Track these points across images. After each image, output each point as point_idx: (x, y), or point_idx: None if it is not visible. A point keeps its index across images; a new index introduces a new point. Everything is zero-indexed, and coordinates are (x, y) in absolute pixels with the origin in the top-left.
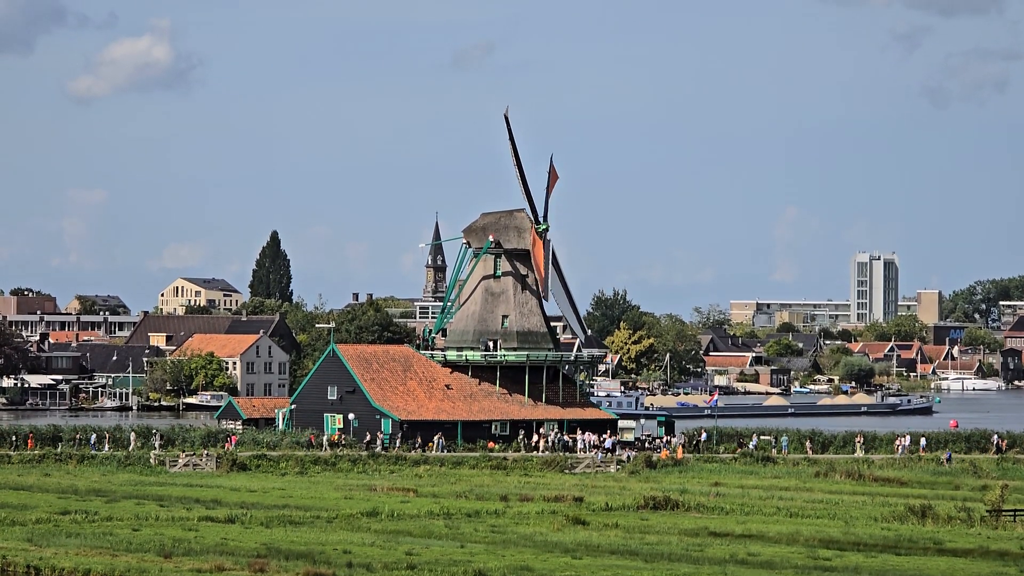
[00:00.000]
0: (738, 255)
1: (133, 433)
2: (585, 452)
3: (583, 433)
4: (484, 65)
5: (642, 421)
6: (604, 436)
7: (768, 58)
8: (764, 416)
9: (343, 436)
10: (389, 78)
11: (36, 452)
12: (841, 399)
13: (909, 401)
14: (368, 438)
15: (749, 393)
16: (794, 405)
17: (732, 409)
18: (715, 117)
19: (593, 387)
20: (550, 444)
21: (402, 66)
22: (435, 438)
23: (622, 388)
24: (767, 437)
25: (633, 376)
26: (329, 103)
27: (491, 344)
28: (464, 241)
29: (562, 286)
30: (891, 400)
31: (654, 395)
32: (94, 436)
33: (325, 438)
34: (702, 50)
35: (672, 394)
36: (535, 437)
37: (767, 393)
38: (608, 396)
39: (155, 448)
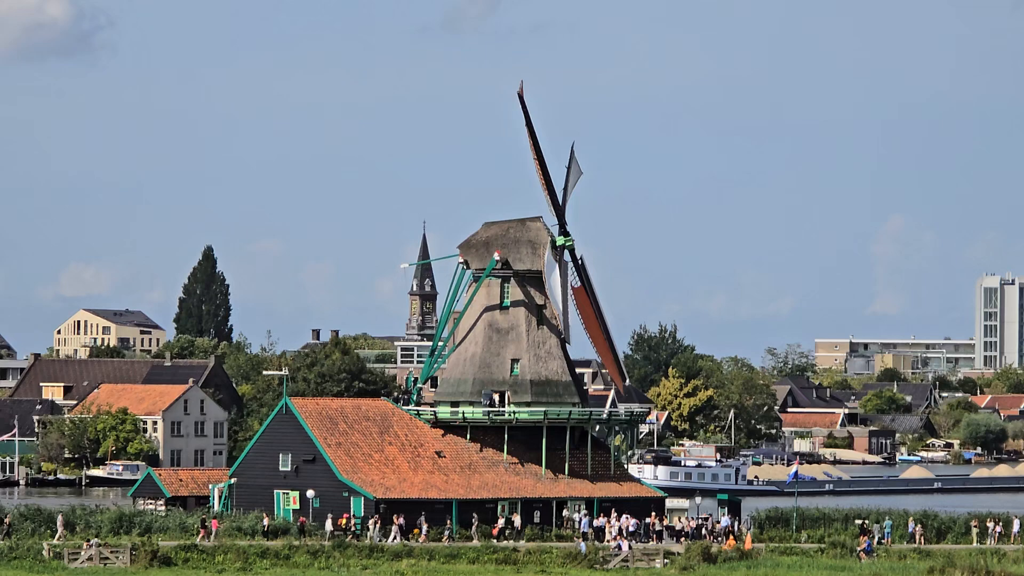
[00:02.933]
0: (825, 279)
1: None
2: (621, 541)
3: (619, 516)
4: (483, 28)
5: (698, 500)
6: (603, 518)
7: (859, 20)
8: (903, 492)
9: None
10: (360, 45)
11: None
12: (1002, 470)
13: None
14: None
15: (847, 463)
16: (941, 478)
17: (859, 484)
18: (791, 98)
19: (681, 454)
20: (622, 531)
21: (377, 30)
22: (369, 522)
23: (717, 456)
24: (860, 520)
25: (708, 436)
26: (281, 79)
27: (497, 398)
28: (460, 260)
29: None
30: None
31: (759, 465)
32: None
33: (361, 525)
34: (771, 12)
35: (780, 462)
36: (596, 524)
37: (887, 462)
38: (700, 466)
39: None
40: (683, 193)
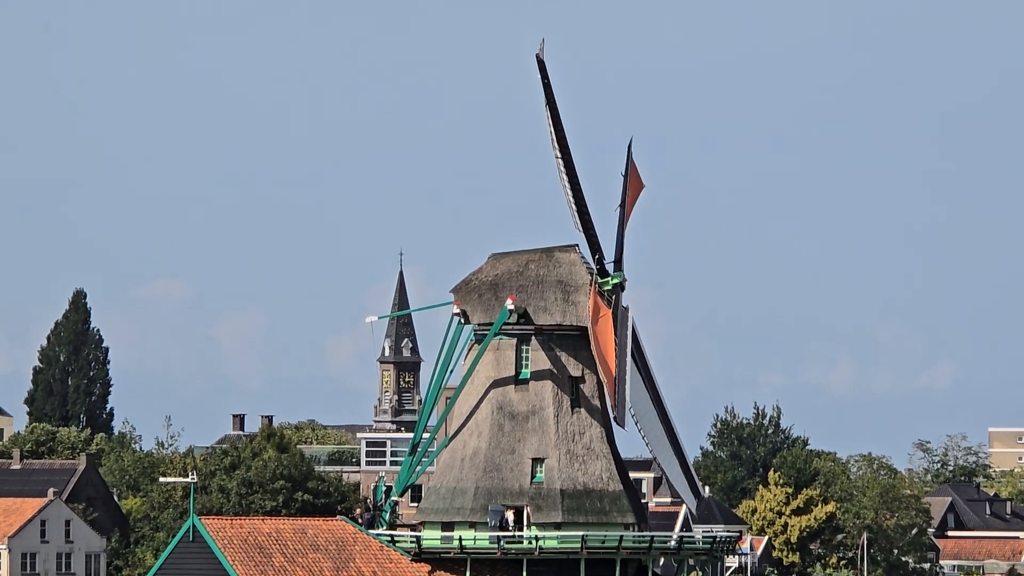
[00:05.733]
0: (1004, 339)
1: None
2: None
3: None
4: None
5: None
6: None
7: None
8: None
9: None
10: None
11: None
12: None
13: None
14: None
15: None
16: None
17: None
18: (935, 62)
19: None
20: None
21: None
22: None
23: None
24: None
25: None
26: (184, 47)
27: (511, 517)
28: (456, 311)
29: (652, 401)
30: None
31: None
32: None
33: None
34: None
35: None
36: None
37: None
38: None
39: None
40: (781, 212)
